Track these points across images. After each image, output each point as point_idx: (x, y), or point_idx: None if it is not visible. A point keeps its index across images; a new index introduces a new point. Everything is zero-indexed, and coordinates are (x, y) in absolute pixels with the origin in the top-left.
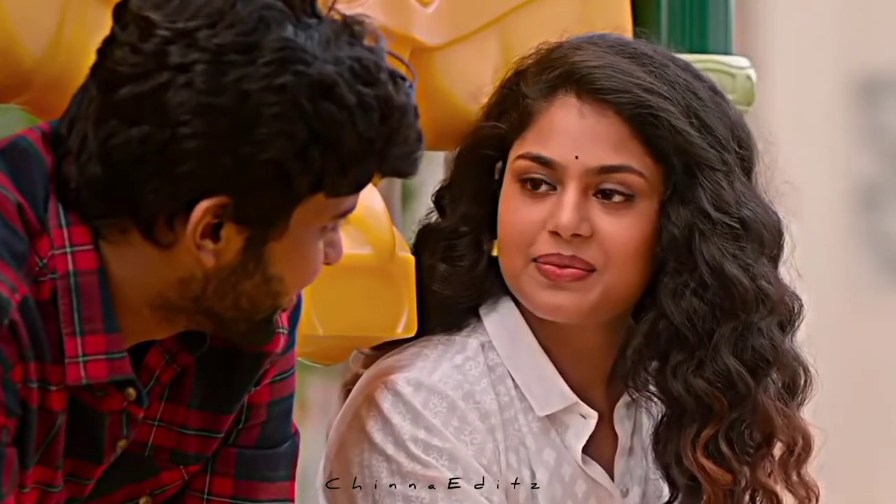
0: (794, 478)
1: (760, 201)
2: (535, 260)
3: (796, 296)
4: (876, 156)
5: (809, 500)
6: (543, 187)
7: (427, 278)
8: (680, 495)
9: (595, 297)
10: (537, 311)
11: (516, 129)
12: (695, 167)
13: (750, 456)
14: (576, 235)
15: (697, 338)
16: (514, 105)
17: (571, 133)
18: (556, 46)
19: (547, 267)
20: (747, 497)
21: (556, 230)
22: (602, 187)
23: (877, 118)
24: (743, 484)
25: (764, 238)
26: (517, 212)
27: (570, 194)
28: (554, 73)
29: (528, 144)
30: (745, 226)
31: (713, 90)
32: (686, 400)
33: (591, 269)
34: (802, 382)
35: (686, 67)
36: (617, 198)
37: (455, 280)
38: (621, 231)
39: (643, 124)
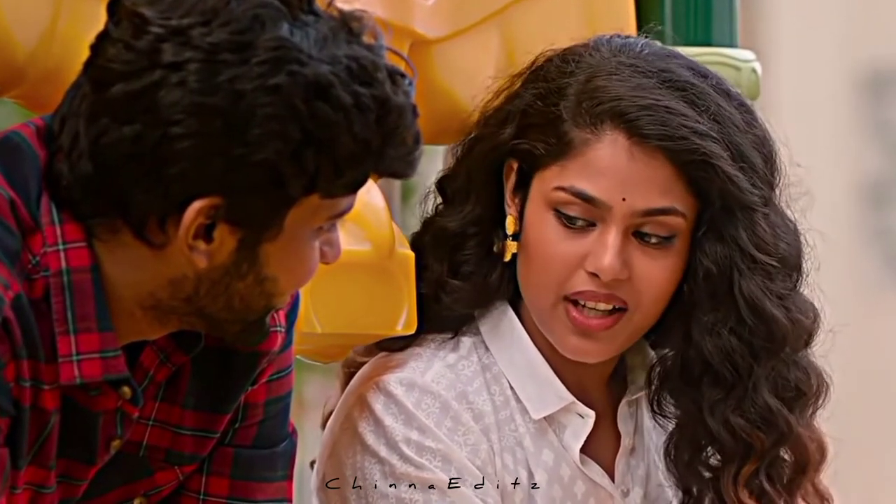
0: (810, 489)
1: (790, 228)
2: (566, 298)
3: (815, 309)
4: (882, 151)
5: None
6: (580, 223)
7: (436, 289)
8: None
9: (623, 339)
10: (564, 352)
11: (554, 155)
12: (735, 207)
13: (787, 486)
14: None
15: (736, 376)
16: (552, 127)
17: (620, 174)
18: (579, 55)
19: (577, 316)
20: None
21: (596, 272)
22: (642, 229)
23: (883, 113)
24: None
25: (797, 268)
26: (552, 246)
27: (614, 237)
28: (601, 107)
29: (571, 177)
30: (782, 262)
31: (741, 105)
32: (725, 438)
33: (622, 308)
34: (820, 391)
35: (718, 86)
36: (656, 240)
37: (467, 294)
38: (657, 273)
39: (694, 170)
